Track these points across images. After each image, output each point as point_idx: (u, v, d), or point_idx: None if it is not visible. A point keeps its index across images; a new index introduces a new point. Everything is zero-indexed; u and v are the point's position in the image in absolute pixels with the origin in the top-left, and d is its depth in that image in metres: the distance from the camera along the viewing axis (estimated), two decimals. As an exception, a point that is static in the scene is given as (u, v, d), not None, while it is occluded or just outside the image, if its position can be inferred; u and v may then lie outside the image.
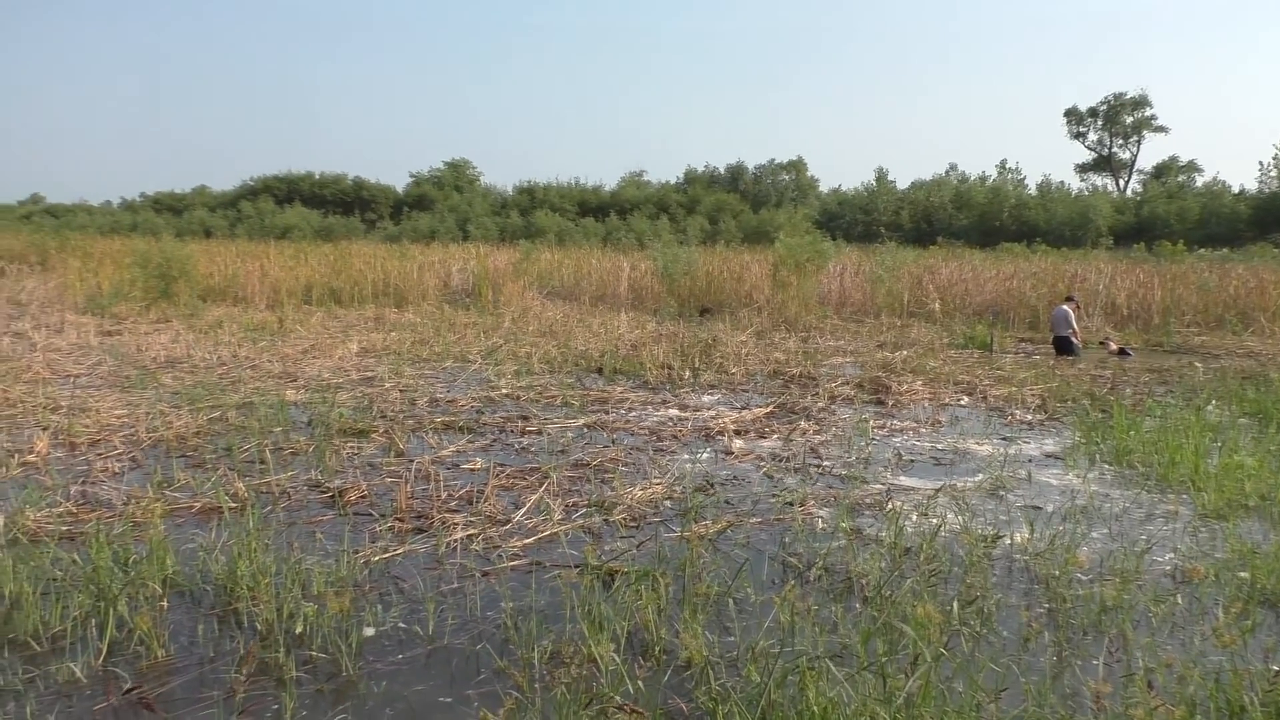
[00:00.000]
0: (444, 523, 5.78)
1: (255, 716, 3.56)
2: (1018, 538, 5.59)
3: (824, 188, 69.25)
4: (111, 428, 8.20)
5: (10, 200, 72.97)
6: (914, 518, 5.98)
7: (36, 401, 9.12)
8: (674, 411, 9.34)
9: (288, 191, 57.90)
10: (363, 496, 6.35)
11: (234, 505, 5.98)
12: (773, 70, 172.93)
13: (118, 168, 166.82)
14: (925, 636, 3.70)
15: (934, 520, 5.84)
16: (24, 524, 5.49)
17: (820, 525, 5.84)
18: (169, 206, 59.61)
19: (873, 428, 8.68)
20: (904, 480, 7.00)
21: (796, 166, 68.85)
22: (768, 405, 9.57)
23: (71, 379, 10.70)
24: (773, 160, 68.73)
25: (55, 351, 12.71)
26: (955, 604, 4.39)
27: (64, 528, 5.53)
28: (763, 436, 8.35)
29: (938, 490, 6.59)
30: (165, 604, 4.48)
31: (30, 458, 7.16)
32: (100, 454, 7.39)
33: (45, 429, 8.00)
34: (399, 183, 63.27)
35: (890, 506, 6.18)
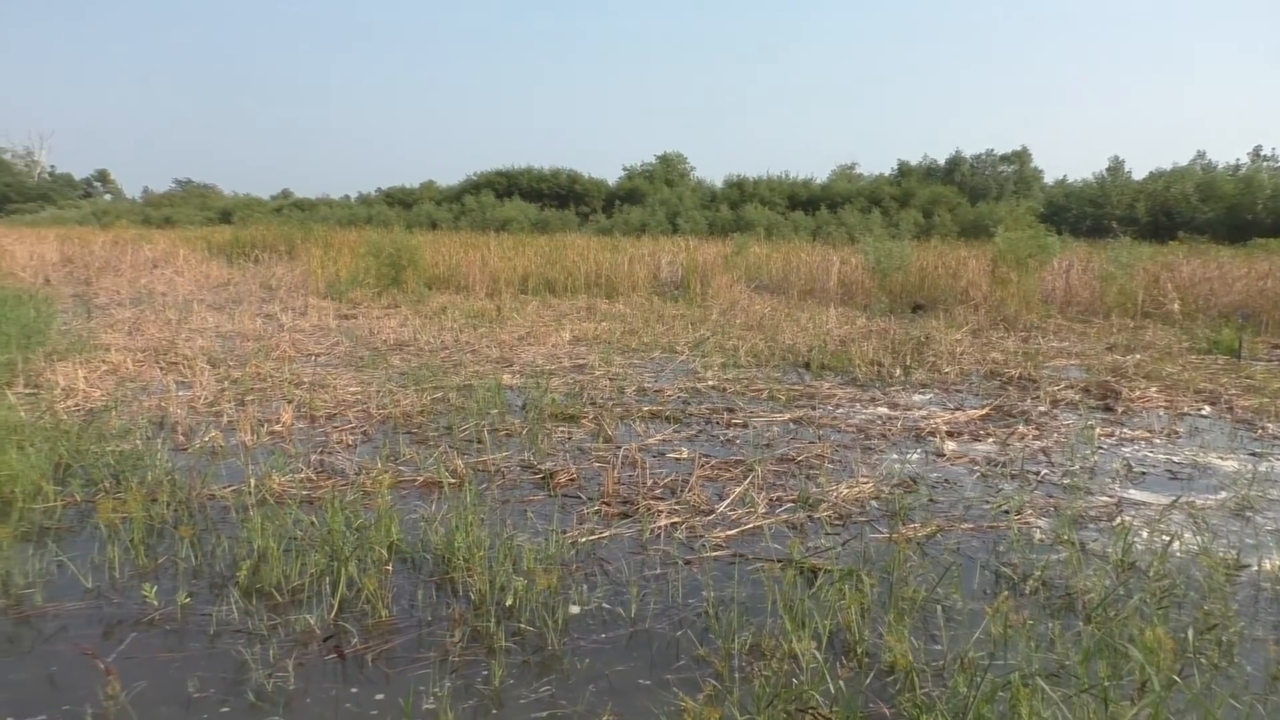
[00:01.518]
0: (649, 509, 5.87)
1: (467, 680, 3.74)
2: (1266, 565, 5.09)
3: (1048, 179, 65.38)
4: (346, 403, 8.84)
5: (264, 194, 79.84)
6: (1144, 534, 5.55)
7: (283, 377, 9.96)
8: (883, 410, 9.08)
9: (507, 186, 60.37)
10: (572, 479, 6.54)
11: (453, 481, 6.31)
12: (993, 56, 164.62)
13: (355, 165, 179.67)
14: (1155, 662, 3.42)
15: (1166, 538, 5.40)
16: (271, 486, 6.01)
17: (1038, 536, 5.52)
18: (399, 200, 63.49)
19: (1099, 435, 8.12)
20: (1133, 493, 6.50)
21: (1020, 157, 65.26)
22: (983, 407, 9.14)
23: (313, 357, 11.62)
24: (992, 151, 65.52)
25: (299, 332, 13.84)
26: (1190, 631, 4.04)
27: (304, 492, 6.01)
28: (977, 439, 7.98)
29: (1172, 504, 6.09)
30: (390, 568, 4.78)
31: (277, 427, 7.83)
32: (336, 427, 7.98)
33: (290, 402, 8.72)
34: (611, 176, 64.79)
35: (1119, 520, 5.76)
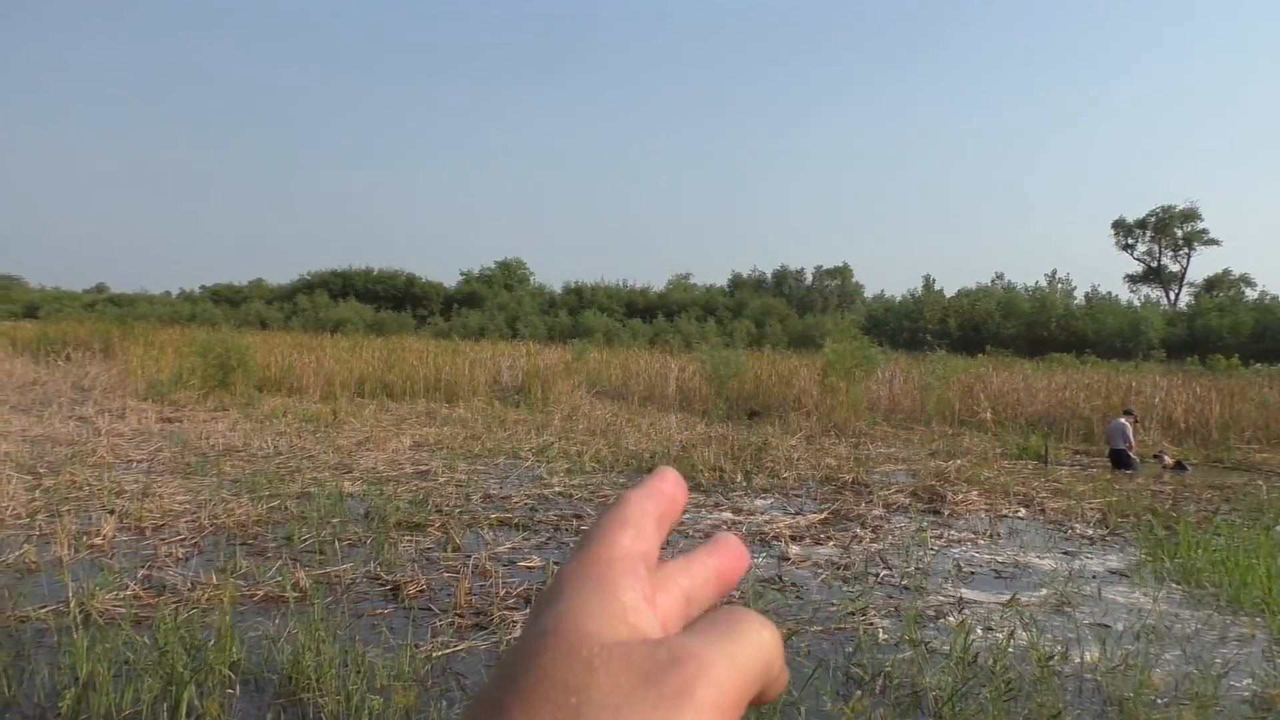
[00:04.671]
0: (503, 620, 5.77)
1: (324, 810, 3.56)
2: (1087, 656, 5.47)
3: (868, 294, 69.61)
4: (174, 513, 8.34)
5: (75, 288, 75.44)
6: (979, 631, 5.87)
7: (102, 485, 9.31)
8: (727, 515, 9.30)
9: (342, 286, 59.34)
10: (422, 590, 6.37)
11: (296, 594, 6.03)
12: (818, 179, 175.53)
13: (177, 259, 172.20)
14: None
15: (999, 635, 5.73)
16: (95, 605, 5.58)
17: (883, 636, 5.75)
18: (226, 298, 61.33)
19: (930, 538, 8.57)
20: (965, 592, 6.88)
21: (842, 273, 69.38)
22: (822, 511, 9.50)
23: (134, 464, 10.93)
24: (820, 266, 69.34)
25: (118, 436, 13.00)
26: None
27: (133, 611, 5.61)
28: (819, 543, 8.28)
29: (1008, 602, 6.48)
30: (235, 691, 4.50)
31: (97, 540, 7.30)
32: (164, 539, 7.51)
33: (112, 512, 8.16)
34: (450, 280, 64.72)
35: (957, 619, 6.08)
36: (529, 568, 7.12)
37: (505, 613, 5.92)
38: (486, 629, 5.65)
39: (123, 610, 5.60)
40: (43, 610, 5.58)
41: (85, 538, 7.33)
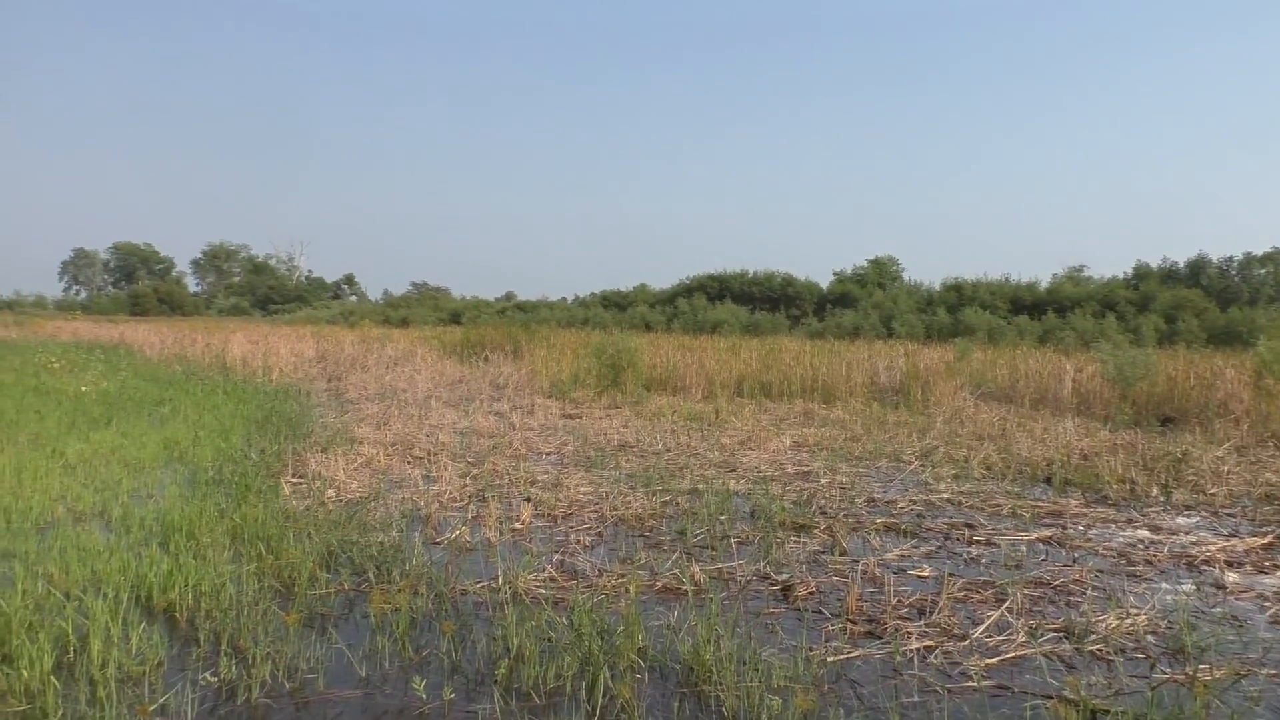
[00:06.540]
0: (897, 630, 5.61)
1: (732, 804, 3.64)
2: None
3: (1311, 282, 59.64)
4: (580, 503, 9.04)
5: (489, 296, 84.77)
6: None
7: (519, 475, 10.33)
8: (1144, 533, 8.37)
9: (719, 289, 61.40)
10: (812, 593, 6.36)
11: (693, 588, 6.28)
12: (1245, 155, 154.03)
13: (572, 269, 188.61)
14: None
15: None
16: (519, 585, 6.18)
17: (1360, 690, 4.85)
18: (615, 303, 65.78)
19: None
20: None
21: (1274, 259, 60.17)
22: (1264, 535, 8.25)
23: (543, 456, 12.02)
24: (1248, 253, 60.57)
25: (529, 430, 14.38)
26: None
27: (551, 593, 6.14)
28: (1262, 571, 7.19)
29: None
30: (644, 677, 4.76)
31: (517, 525, 8.09)
32: (573, 527, 8.16)
33: (528, 500, 9.01)
34: (823, 279, 64.62)
35: None
36: (921, 577, 6.87)
37: (899, 623, 5.74)
38: (880, 638, 5.52)
39: (543, 591, 6.15)
40: (478, 585, 6.27)
41: (508, 522, 8.16)
